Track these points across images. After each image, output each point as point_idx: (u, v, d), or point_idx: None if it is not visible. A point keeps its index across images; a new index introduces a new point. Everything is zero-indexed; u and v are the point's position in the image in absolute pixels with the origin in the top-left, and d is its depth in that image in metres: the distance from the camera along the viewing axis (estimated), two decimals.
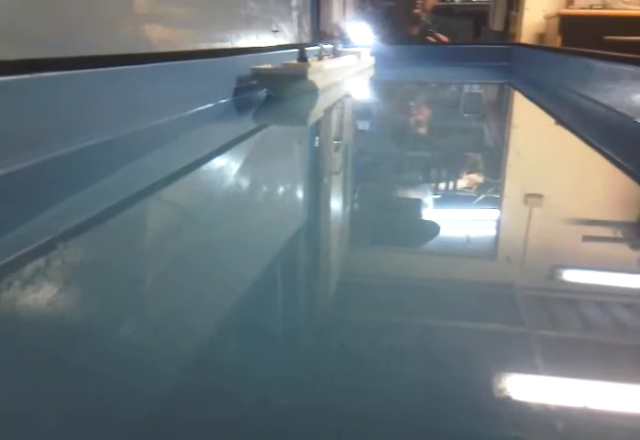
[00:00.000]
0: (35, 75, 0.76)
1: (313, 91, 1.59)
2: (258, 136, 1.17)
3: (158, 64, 1.10)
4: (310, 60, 1.64)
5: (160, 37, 1.15)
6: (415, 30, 3.50)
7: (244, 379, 0.33)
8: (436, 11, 3.74)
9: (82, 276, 0.48)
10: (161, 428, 0.29)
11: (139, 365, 0.35)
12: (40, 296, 0.42)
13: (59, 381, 0.33)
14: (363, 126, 1.50)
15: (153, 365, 0.35)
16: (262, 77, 1.50)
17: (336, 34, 3.15)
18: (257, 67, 1.49)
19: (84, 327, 0.39)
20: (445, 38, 3.45)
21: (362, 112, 1.69)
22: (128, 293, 0.46)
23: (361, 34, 3.28)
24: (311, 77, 1.50)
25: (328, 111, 1.54)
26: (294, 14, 2.25)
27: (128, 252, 0.54)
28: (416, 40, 3.48)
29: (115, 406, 0.31)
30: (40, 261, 0.49)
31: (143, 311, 0.43)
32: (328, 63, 1.82)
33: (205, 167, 0.87)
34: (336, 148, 1.11)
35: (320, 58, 1.89)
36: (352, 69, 2.25)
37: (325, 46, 2.00)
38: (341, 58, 2.15)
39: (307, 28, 2.52)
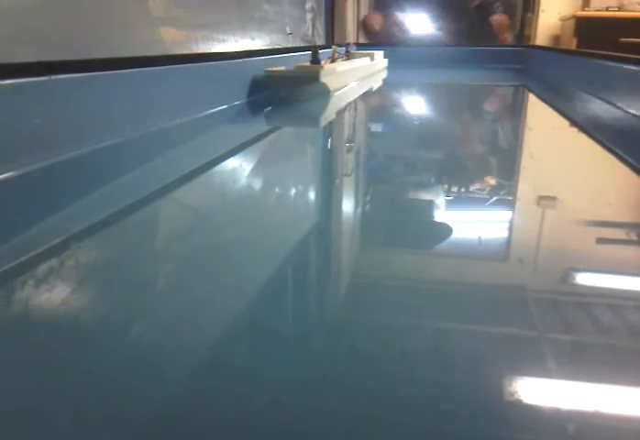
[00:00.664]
0: (52, 77, 0.77)
1: (325, 93, 1.59)
2: (270, 138, 1.18)
3: (171, 67, 1.11)
4: (323, 62, 1.65)
5: (173, 39, 1.16)
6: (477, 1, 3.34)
7: (256, 380, 0.33)
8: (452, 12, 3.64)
9: (95, 276, 0.48)
10: (175, 428, 0.30)
11: (153, 365, 0.35)
12: (54, 296, 0.43)
13: (68, 381, 0.33)
14: (374, 127, 1.50)
15: (167, 365, 0.35)
16: (275, 79, 1.51)
17: (395, 29, 3.06)
18: (269, 69, 1.50)
19: (98, 327, 0.40)
20: (506, 22, 3.22)
21: (374, 113, 1.69)
22: (142, 294, 0.46)
23: (420, 24, 3.14)
24: (323, 79, 1.51)
25: (340, 113, 1.54)
26: (309, 16, 2.25)
27: (142, 253, 0.54)
28: (476, 12, 3.29)
29: (128, 406, 0.31)
30: (54, 261, 0.50)
31: (157, 311, 0.43)
32: (341, 65, 1.83)
33: (218, 169, 0.87)
34: (349, 149, 1.11)
35: (333, 60, 1.90)
36: (365, 71, 2.25)
37: (337, 48, 2.00)
38: (354, 60, 2.16)
39: (321, 31, 2.53)
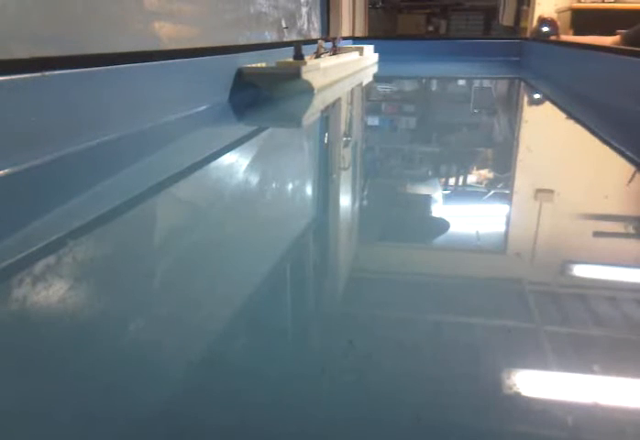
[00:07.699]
0: (46, 73, 0.77)
1: (308, 90, 1.51)
2: (253, 140, 1.16)
3: (159, 63, 1.09)
4: (307, 57, 1.57)
5: (164, 34, 1.15)
6: None
7: (255, 376, 0.33)
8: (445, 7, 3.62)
9: (93, 273, 0.48)
10: (171, 425, 0.30)
11: (149, 362, 0.35)
12: (52, 293, 0.43)
13: (63, 377, 0.33)
14: (363, 126, 1.48)
15: (165, 363, 0.35)
16: (254, 76, 1.43)
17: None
18: (249, 66, 1.43)
19: (95, 324, 0.40)
20: None
21: (361, 112, 1.67)
22: (139, 290, 0.46)
23: None
24: (305, 76, 1.43)
25: (325, 111, 1.48)
26: (304, 10, 2.24)
27: (136, 250, 0.54)
28: None
29: (125, 403, 0.31)
30: (51, 259, 0.49)
31: (155, 307, 0.43)
32: (326, 61, 1.74)
33: (206, 170, 0.87)
34: (345, 144, 1.10)
35: (318, 55, 1.82)
36: (353, 66, 2.16)
37: (324, 43, 1.91)
38: (341, 55, 2.05)
39: (317, 24, 2.52)
